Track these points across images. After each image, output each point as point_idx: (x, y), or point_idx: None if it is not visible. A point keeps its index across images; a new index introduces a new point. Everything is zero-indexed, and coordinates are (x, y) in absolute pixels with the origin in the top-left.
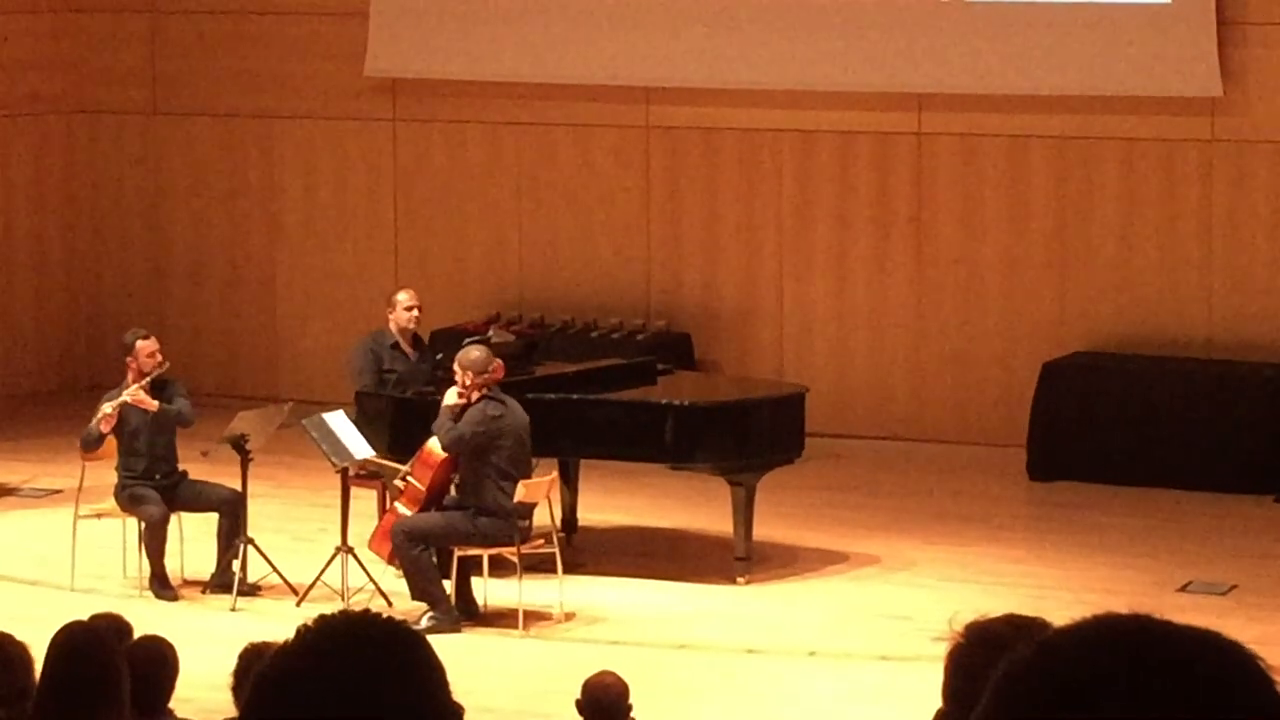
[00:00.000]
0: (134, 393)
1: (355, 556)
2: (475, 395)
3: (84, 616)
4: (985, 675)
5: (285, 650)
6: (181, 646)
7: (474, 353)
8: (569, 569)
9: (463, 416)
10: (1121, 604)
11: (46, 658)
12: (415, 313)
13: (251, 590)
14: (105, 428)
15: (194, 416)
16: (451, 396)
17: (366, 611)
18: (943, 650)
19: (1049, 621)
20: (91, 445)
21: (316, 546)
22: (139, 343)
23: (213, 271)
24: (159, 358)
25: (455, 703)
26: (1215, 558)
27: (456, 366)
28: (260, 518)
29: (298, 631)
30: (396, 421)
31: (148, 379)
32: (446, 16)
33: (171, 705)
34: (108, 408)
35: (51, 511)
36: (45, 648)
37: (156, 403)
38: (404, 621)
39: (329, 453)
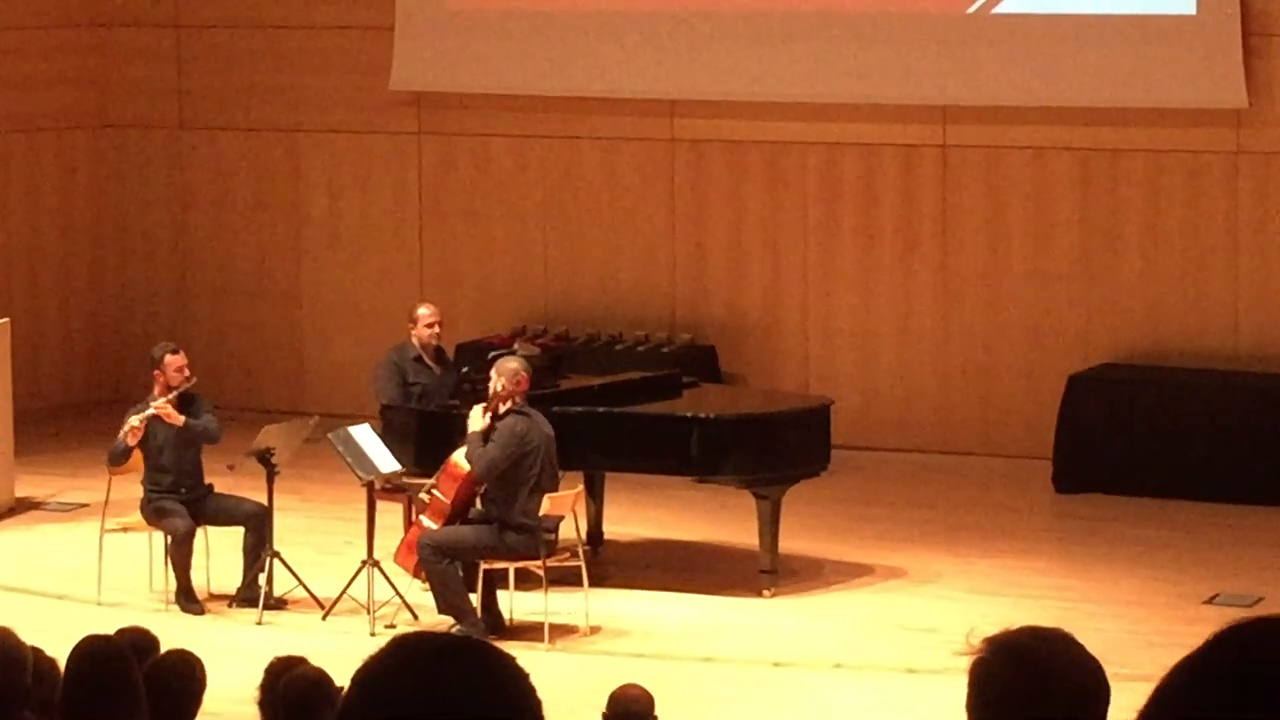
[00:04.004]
0: (161, 406)
1: (381, 570)
2: (502, 408)
3: (110, 630)
4: (1009, 688)
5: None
6: (208, 660)
7: (512, 363)
8: (594, 582)
9: (491, 436)
10: (1149, 616)
11: (65, 671)
12: (436, 328)
13: (277, 604)
14: (132, 440)
15: (220, 433)
16: (475, 419)
17: (481, 643)
18: (967, 663)
19: (1071, 633)
20: (118, 459)
21: (342, 560)
22: (168, 357)
23: (238, 285)
24: (186, 373)
25: None
26: (1242, 570)
27: (494, 373)
28: (286, 531)
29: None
30: (422, 435)
31: (175, 393)
32: (471, 30)
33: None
34: (134, 420)
35: (78, 525)
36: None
37: (182, 418)
38: (514, 659)
39: (354, 466)
